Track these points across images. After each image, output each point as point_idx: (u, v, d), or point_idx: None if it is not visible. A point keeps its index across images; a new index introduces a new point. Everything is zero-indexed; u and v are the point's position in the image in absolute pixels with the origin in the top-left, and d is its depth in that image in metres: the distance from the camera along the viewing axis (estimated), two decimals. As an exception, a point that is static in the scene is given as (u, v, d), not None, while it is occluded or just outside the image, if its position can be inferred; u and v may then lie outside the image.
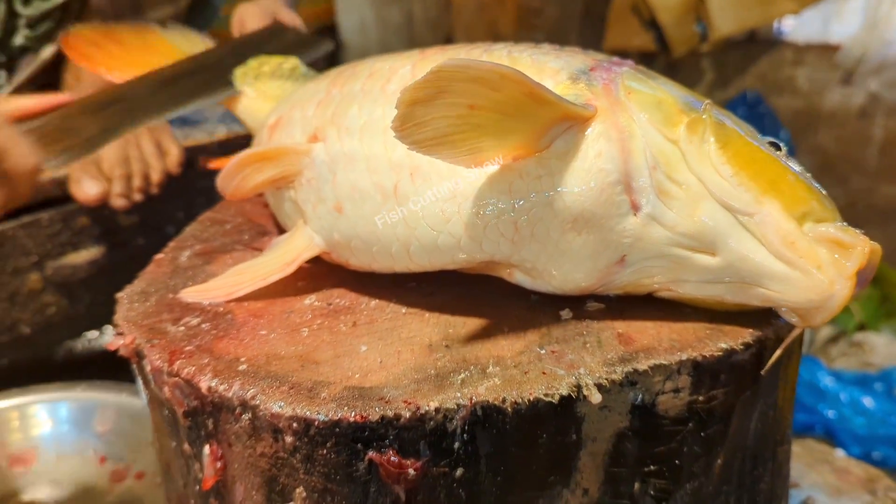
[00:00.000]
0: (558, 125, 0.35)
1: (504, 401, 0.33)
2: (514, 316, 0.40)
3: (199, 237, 0.53)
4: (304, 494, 0.35)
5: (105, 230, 0.83)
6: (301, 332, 0.40)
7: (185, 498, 0.42)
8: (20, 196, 0.46)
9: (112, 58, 0.61)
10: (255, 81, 0.60)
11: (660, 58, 2.13)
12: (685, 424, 0.36)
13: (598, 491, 0.36)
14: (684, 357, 0.35)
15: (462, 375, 0.35)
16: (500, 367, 0.35)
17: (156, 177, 0.78)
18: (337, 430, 0.32)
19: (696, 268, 0.36)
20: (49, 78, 0.81)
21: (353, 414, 0.32)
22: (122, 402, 0.73)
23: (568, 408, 0.34)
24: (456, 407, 0.33)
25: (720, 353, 0.35)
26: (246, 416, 0.34)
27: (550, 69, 0.39)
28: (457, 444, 0.33)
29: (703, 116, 0.36)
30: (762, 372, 0.37)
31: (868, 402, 1.64)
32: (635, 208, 0.35)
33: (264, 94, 0.59)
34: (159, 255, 0.51)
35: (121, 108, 0.54)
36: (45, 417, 0.72)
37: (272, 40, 0.64)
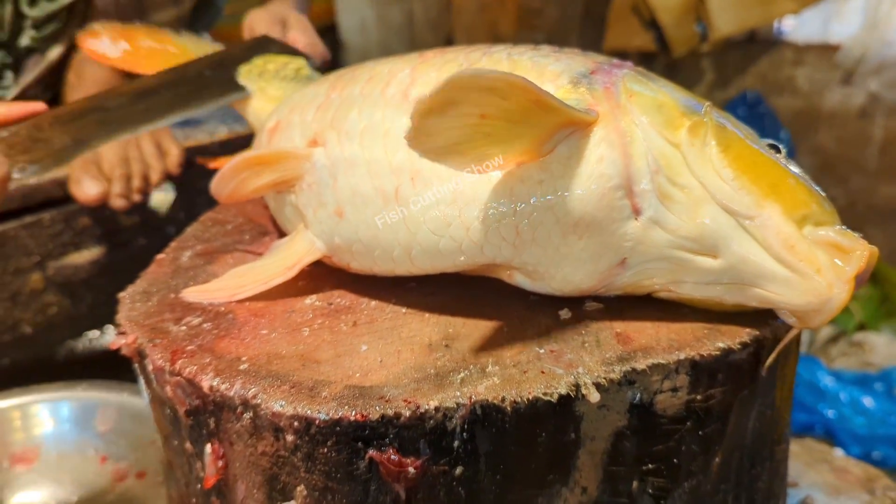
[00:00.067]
0: (561, 130, 0.35)
1: (503, 400, 0.33)
2: (513, 316, 0.40)
3: (200, 237, 0.54)
4: (305, 493, 0.35)
5: (106, 230, 0.83)
6: (302, 331, 0.40)
7: (187, 496, 0.42)
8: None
9: (125, 56, 0.62)
10: (259, 79, 0.60)
11: (660, 58, 2.13)
12: (683, 423, 0.36)
13: (596, 489, 0.36)
14: (682, 356, 0.35)
15: (461, 375, 0.35)
16: (500, 367, 0.35)
17: (155, 177, 0.78)
18: (337, 428, 0.33)
19: (697, 270, 0.36)
20: (55, 79, 0.82)
21: (353, 413, 0.33)
22: (123, 402, 0.73)
23: (567, 407, 0.34)
24: (455, 406, 0.33)
25: (718, 353, 0.36)
26: (247, 415, 0.35)
27: (551, 72, 0.39)
28: (456, 443, 0.33)
29: (705, 119, 0.36)
30: (761, 371, 0.37)
31: (868, 401, 1.64)
32: (636, 212, 0.36)
33: (266, 94, 0.59)
34: (161, 256, 0.51)
35: (95, 118, 0.53)
36: (46, 417, 0.73)
37: (255, 55, 0.63)
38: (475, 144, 0.34)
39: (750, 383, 0.38)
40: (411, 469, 0.33)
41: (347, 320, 0.41)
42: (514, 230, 0.37)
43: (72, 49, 0.79)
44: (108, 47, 0.63)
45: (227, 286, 0.44)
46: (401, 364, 0.36)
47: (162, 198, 0.82)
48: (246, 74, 0.60)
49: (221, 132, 0.94)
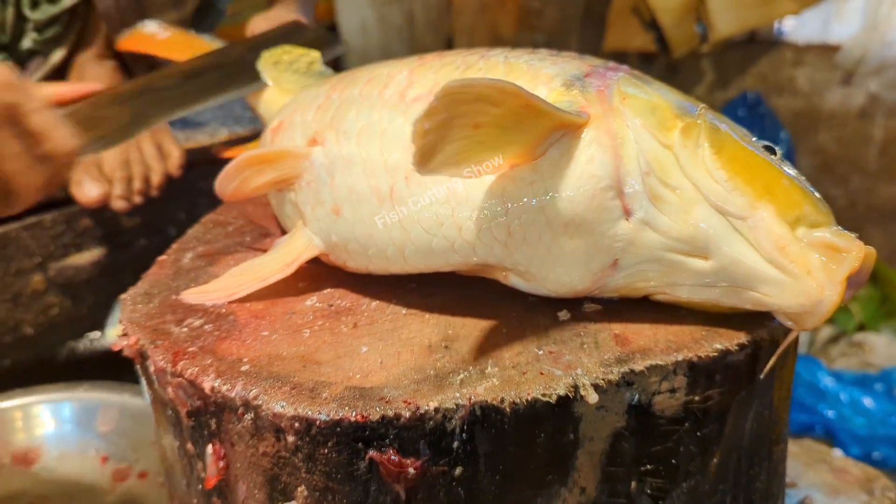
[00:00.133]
0: (554, 133, 0.36)
1: (502, 401, 0.33)
2: (512, 317, 0.40)
3: (201, 239, 0.54)
4: (306, 493, 0.35)
5: (107, 232, 0.84)
6: (303, 332, 0.40)
7: (188, 497, 0.42)
8: (59, 179, 0.47)
9: (169, 40, 0.67)
10: (274, 69, 0.61)
11: (660, 59, 2.14)
12: (681, 424, 0.37)
13: (595, 490, 0.37)
14: (680, 358, 0.35)
15: (461, 376, 0.35)
16: (499, 368, 0.36)
17: (156, 179, 0.79)
18: (338, 429, 0.33)
19: (689, 271, 0.36)
20: (58, 82, 0.82)
21: (353, 414, 0.33)
22: (124, 403, 0.73)
23: (565, 408, 0.34)
24: (455, 407, 0.33)
25: (715, 354, 0.36)
26: (248, 416, 0.35)
27: (545, 75, 0.40)
28: (456, 444, 0.34)
29: (698, 121, 0.37)
30: (760, 376, 0.38)
31: (868, 402, 1.65)
32: (627, 213, 0.36)
33: (280, 85, 0.60)
34: (162, 257, 0.51)
35: (150, 98, 0.56)
36: (48, 417, 0.73)
37: (291, 38, 0.66)
38: (470, 154, 0.34)
39: (747, 384, 0.38)
40: (411, 469, 0.33)
41: (348, 322, 0.41)
42: (506, 230, 0.37)
43: (74, 52, 0.79)
44: (158, 30, 0.68)
45: (226, 285, 0.44)
46: (401, 365, 0.36)
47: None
48: (263, 64, 0.61)
49: (222, 134, 0.94)
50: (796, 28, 2.12)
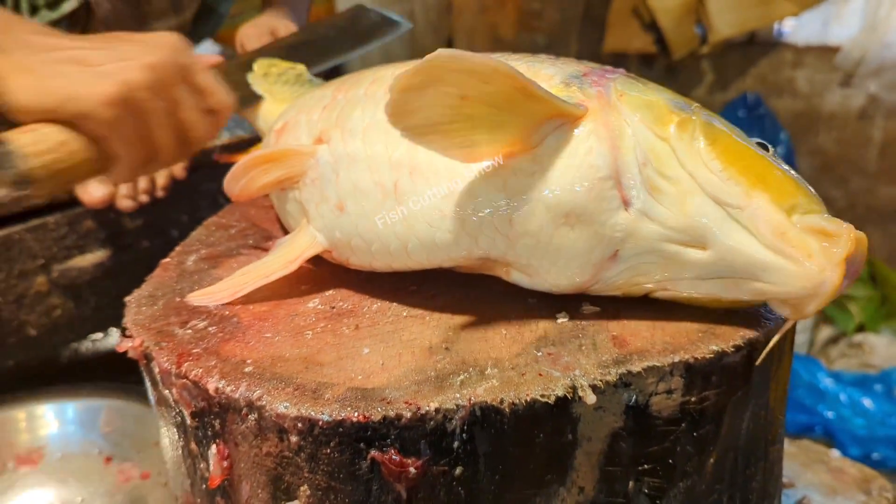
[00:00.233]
0: (550, 122, 0.36)
1: (502, 401, 0.34)
2: (511, 319, 0.41)
3: (204, 242, 0.55)
4: (309, 492, 0.36)
5: (110, 233, 0.84)
6: (305, 334, 0.41)
7: (192, 496, 0.43)
8: (215, 132, 0.54)
9: None
10: (264, 81, 0.62)
11: (660, 60, 2.14)
12: (678, 424, 0.37)
13: (593, 489, 0.37)
14: (677, 359, 0.36)
15: (461, 377, 0.36)
16: (498, 369, 0.36)
17: (161, 180, 0.79)
18: (340, 429, 0.34)
19: (687, 263, 0.37)
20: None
21: (356, 414, 0.33)
22: (127, 404, 0.74)
23: (564, 408, 0.35)
24: (455, 407, 0.34)
25: (711, 356, 0.36)
26: (252, 417, 0.36)
27: (545, 74, 0.40)
28: (456, 444, 0.34)
29: (693, 117, 0.38)
30: (756, 363, 0.38)
31: (868, 403, 1.65)
32: (626, 203, 0.37)
33: (275, 97, 0.62)
34: (166, 260, 0.52)
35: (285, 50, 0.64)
36: (52, 418, 0.74)
37: (353, 22, 0.73)
38: (458, 127, 0.35)
39: (744, 385, 0.39)
40: (412, 469, 0.34)
41: (349, 324, 0.42)
42: (508, 222, 0.38)
43: None
44: None
45: (231, 285, 0.45)
46: (402, 367, 0.37)
47: None
48: (253, 77, 0.62)
49: (224, 137, 0.95)
50: (796, 29, 2.13)
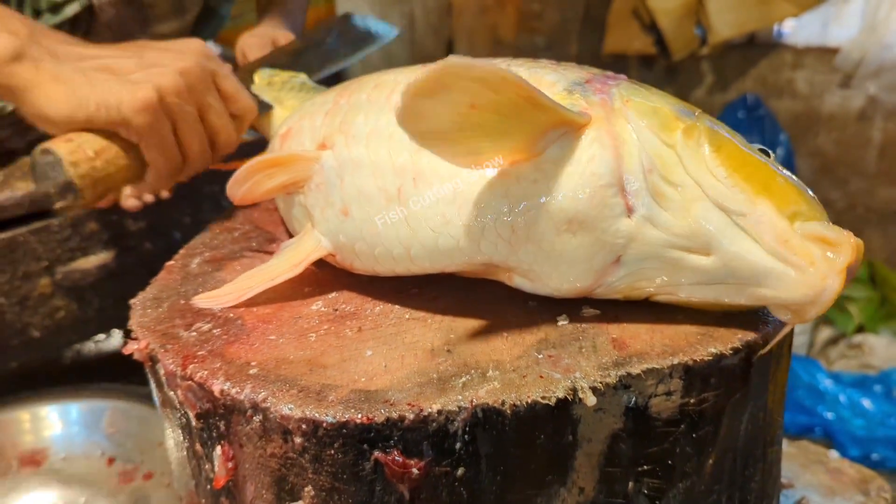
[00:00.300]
0: (554, 130, 0.37)
1: (503, 403, 0.34)
2: (512, 321, 0.41)
3: (208, 244, 0.55)
4: (313, 493, 0.36)
5: (113, 235, 0.85)
6: (309, 336, 0.41)
7: (197, 497, 0.43)
8: (239, 137, 0.55)
9: None
10: (270, 89, 0.62)
11: (659, 61, 2.14)
12: (677, 426, 0.38)
13: (593, 490, 0.38)
14: (676, 361, 0.36)
15: (463, 379, 0.36)
16: (500, 371, 0.37)
17: None
18: (344, 431, 0.34)
19: (690, 268, 0.37)
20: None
21: (359, 416, 0.34)
22: (130, 405, 0.74)
23: (564, 410, 0.35)
24: (457, 409, 0.34)
25: (710, 358, 0.37)
26: (257, 418, 0.36)
27: (547, 81, 0.41)
28: (458, 445, 0.35)
29: (697, 123, 0.38)
30: (754, 357, 0.38)
31: (867, 403, 1.65)
32: (629, 210, 0.37)
33: (283, 104, 0.62)
34: (170, 263, 0.52)
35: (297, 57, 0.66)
36: (55, 419, 0.74)
37: (339, 30, 0.73)
38: (466, 135, 0.35)
39: (742, 387, 0.39)
40: (415, 470, 0.34)
41: (353, 326, 0.42)
42: (510, 228, 0.38)
43: None
44: None
45: (236, 288, 0.45)
46: (404, 369, 0.37)
47: None
48: (257, 88, 0.63)
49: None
50: (795, 30, 2.13)
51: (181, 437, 0.42)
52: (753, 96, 2.10)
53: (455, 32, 2.54)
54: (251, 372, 0.38)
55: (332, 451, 0.35)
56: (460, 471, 0.35)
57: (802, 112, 2.09)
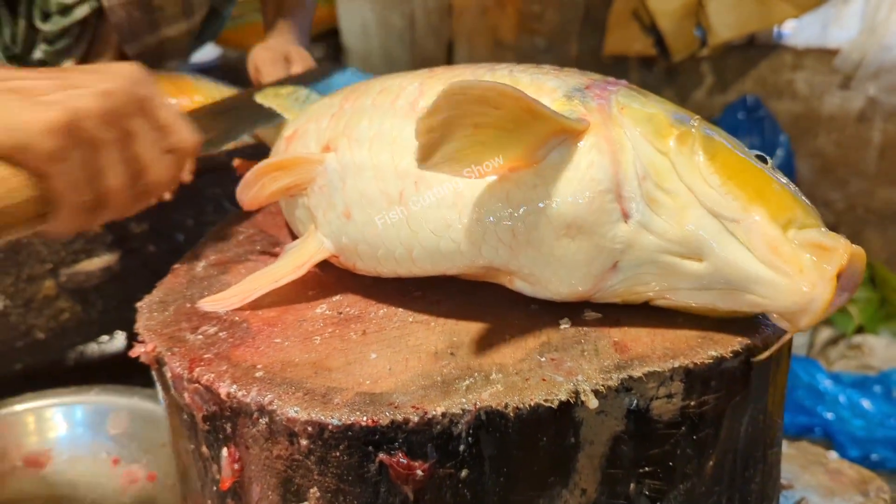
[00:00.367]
0: (554, 138, 0.37)
1: (506, 406, 0.35)
2: (515, 325, 0.42)
3: (213, 248, 0.55)
4: (318, 494, 0.37)
5: (117, 238, 0.85)
6: (313, 340, 0.42)
7: (202, 498, 0.44)
8: (176, 176, 0.48)
9: None
10: (276, 99, 0.63)
11: (659, 62, 2.15)
12: (678, 428, 0.38)
13: (595, 491, 0.38)
14: (677, 364, 0.37)
15: (467, 382, 0.37)
16: (503, 374, 0.37)
17: None
18: (349, 433, 0.34)
19: (684, 274, 0.38)
20: None
21: (364, 418, 0.34)
22: (134, 406, 0.75)
23: (567, 412, 0.36)
24: (461, 412, 0.35)
25: (711, 361, 0.37)
26: (263, 421, 0.36)
27: (548, 88, 0.41)
28: (462, 447, 0.35)
29: (693, 130, 0.38)
30: (752, 360, 0.38)
31: (867, 404, 1.66)
32: (626, 216, 0.37)
33: (288, 111, 0.62)
34: (176, 266, 0.53)
35: (233, 115, 0.60)
36: (60, 420, 0.74)
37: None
38: (471, 153, 0.36)
39: (742, 390, 0.39)
40: (419, 472, 0.35)
41: (357, 329, 0.43)
42: (511, 232, 0.39)
43: (82, 62, 0.81)
44: None
45: (240, 291, 0.46)
46: (408, 372, 0.38)
47: None
48: (264, 98, 0.63)
49: (228, 143, 0.96)
50: (795, 32, 2.13)
51: (187, 439, 0.43)
52: (753, 97, 2.10)
53: (455, 33, 2.54)
54: (257, 375, 0.38)
55: (338, 453, 0.35)
56: (464, 472, 0.36)
57: (802, 113, 2.09)
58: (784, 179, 0.39)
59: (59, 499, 0.71)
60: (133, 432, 0.74)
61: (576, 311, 0.42)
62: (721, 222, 0.36)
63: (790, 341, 0.45)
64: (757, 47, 2.14)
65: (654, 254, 0.38)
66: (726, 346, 0.38)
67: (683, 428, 0.38)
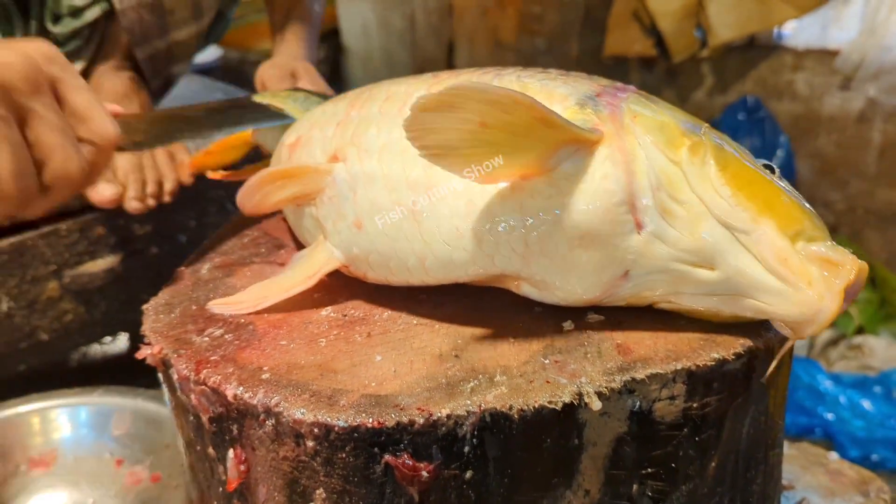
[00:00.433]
0: (566, 147, 0.38)
1: (511, 408, 0.35)
2: (519, 327, 0.42)
3: (218, 250, 0.56)
4: (324, 495, 0.37)
5: (120, 239, 0.85)
6: (319, 342, 0.42)
7: (209, 499, 0.44)
8: (91, 169, 0.43)
9: None
10: (273, 100, 0.63)
11: (660, 63, 2.15)
12: (680, 430, 0.38)
13: (598, 492, 0.38)
14: (679, 366, 0.37)
15: (471, 384, 0.37)
16: (507, 377, 0.37)
17: (169, 185, 0.80)
18: (355, 435, 0.35)
19: (695, 281, 0.38)
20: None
21: (370, 420, 0.35)
22: (137, 407, 0.75)
23: (570, 414, 0.36)
24: (466, 414, 0.35)
25: (713, 363, 0.38)
26: (269, 422, 0.37)
27: (559, 95, 0.41)
28: (467, 449, 0.35)
29: (703, 140, 0.39)
30: (762, 380, 0.39)
31: (867, 404, 1.66)
32: (639, 227, 0.38)
33: (294, 112, 0.62)
34: (181, 268, 0.53)
35: (178, 120, 0.58)
36: (64, 421, 0.75)
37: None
38: (477, 151, 0.36)
39: (744, 392, 0.40)
40: (424, 473, 0.35)
41: (362, 331, 0.43)
42: (524, 242, 0.39)
43: (92, 64, 0.81)
44: None
45: (251, 297, 0.46)
46: (413, 374, 0.38)
47: None
48: (262, 100, 0.63)
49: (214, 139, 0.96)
50: (795, 33, 2.14)
51: (193, 441, 0.43)
52: (753, 98, 2.11)
53: (456, 34, 2.54)
54: (263, 377, 0.39)
55: (344, 455, 0.35)
56: (469, 474, 0.36)
57: (802, 114, 2.10)
58: (791, 189, 0.39)
59: (63, 499, 0.72)
60: (136, 433, 0.74)
61: (579, 313, 0.42)
62: (732, 233, 0.37)
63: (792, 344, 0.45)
64: (757, 48, 2.14)
65: (666, 262, 0.38)
66: (728, 348, 0.39)
67: (686, 429, 0.39)
